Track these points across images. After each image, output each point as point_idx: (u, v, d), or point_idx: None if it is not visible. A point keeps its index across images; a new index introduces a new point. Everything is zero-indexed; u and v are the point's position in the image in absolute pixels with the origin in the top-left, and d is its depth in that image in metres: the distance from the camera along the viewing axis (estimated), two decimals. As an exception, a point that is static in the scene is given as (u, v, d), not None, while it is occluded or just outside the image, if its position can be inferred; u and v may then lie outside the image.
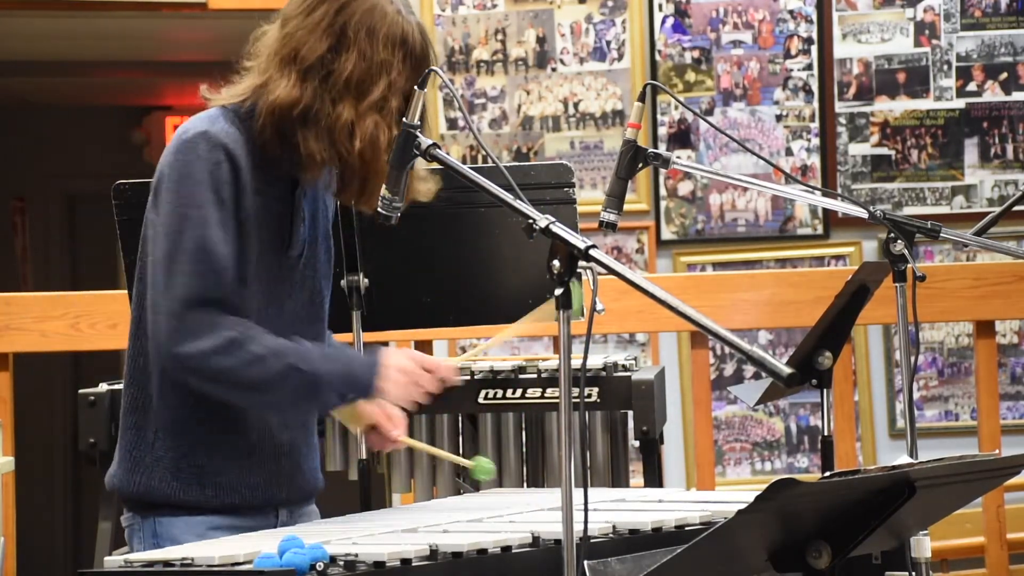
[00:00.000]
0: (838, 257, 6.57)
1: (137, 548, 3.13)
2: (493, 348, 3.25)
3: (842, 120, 6.59)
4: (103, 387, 4.21)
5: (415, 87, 2.96)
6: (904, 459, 2.83)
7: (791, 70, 6.60)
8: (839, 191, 6.47)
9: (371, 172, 3.06)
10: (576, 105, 6.61)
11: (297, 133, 3.05)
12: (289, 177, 3.13)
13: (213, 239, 2.99)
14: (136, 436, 3.12)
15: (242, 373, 2.98)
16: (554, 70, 6.62)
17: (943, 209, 6.54)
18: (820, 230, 6.58)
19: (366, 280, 3.89)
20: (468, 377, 4.08)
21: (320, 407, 3.10)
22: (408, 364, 3.07)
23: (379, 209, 2.99)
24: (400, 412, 3.22)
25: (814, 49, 6.59)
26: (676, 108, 6.58)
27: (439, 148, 2.93)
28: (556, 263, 2.57)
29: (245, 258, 3.05)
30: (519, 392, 4.05)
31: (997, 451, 4.63)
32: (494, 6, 6.63)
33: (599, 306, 2.54)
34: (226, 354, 2.96)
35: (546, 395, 4.04)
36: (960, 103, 6.59)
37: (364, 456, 3.97)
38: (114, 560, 2.68)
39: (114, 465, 3.17)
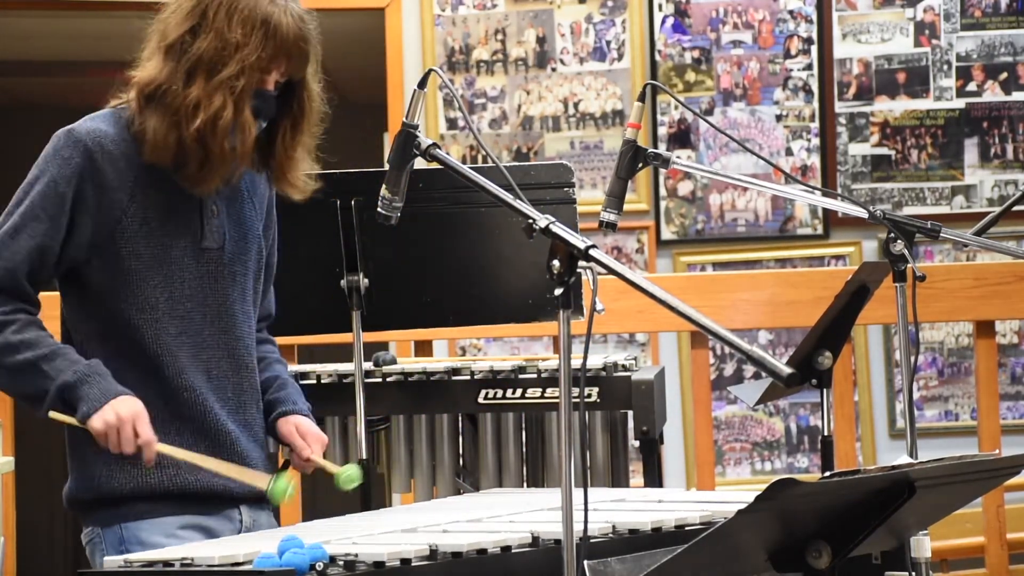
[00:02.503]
0: (838, 257, 6.57)
1: (99, 564, 3.09)
2: (197, 463, 3.22)
3: (842, 120, 6.59)
4: (103, 387, 4.20)
5: (416, 87, 2.95)
6: (904, 459, 2.83)
7: (791, 70, 6.60)
8: (839, 191, 6.48)
9: (209, 153, 3.05)
10: (576, 105, 6.61)
11: (144, 111, 3.08)
12: None
13: (26, 231, 3.04)
14: (85, 436, 3.09)
15: None
16: (554, 70, 6.62)
17: (943, 209, 6.55)
18: (820, 230, 6.58)
19: (366, 280, 3.89)
20: (468, 377, 4.08)
21: (44, 410, 3.04)
22: (123, 418, 3.00)
23: (379, 209, 2.99)
24: (316, 431, 3.25)
25: (814, 49, 6.59)
26: (676, 108, 6.58)
27: (439, 148, 2.93)
28: (556, 263, 2.57)
29: (74, 253, 3.06)
30: (519, 392, 4.05)
31: (997, 451, 4.63)
32: (494, 6, 6.63)
33: (599, 306, 2.54)
34: None
35: (546, 395, 4.04)
36: (960, 103, 6.59)
37: (364, 456, 3.97)
38: (114, 560, 2.68)
39: (69, 480, 3.16)
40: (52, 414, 3.04)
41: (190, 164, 3.07)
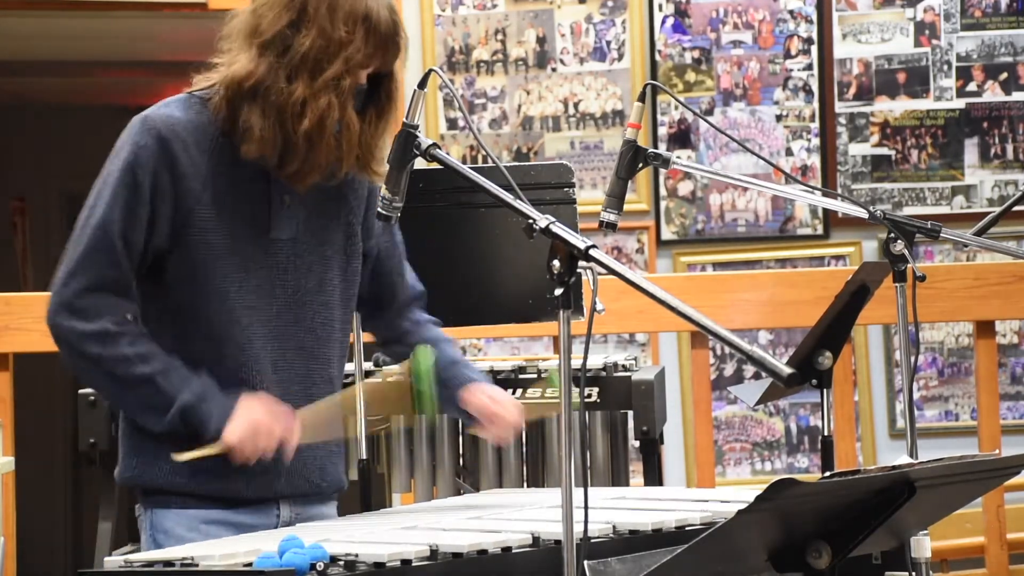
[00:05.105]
0: (838, 257, 6.57)
1: (144, 540, 3.14)
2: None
3: (842, 120, 6.59)
4: (103, 387, 4.20)
5: (417, 87, 2.96)
6: (904, 459, 2.83)
7: (791, 70, 6.60)
8: (839, 191, 6.48)
9: (313, 152, 3.04)
10: (576, 105, 6.61)
11: (244, 107, 3.04)
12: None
13: (113, 220, 3.02)
14: (133, 423, 3.12)
15: (105, 364, 3.02)
16: (554, 70, 6.62)
17: (943, 209, 6.55)
18: (820, 230, 6.58)
19: (366, 280, 3.88)
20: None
21: (164, 427, 3.05)
22: (258, 419, 3.03)
23: (379, 209, 2.99)
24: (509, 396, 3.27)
25: (814, 49, 6.59)
26: (676, 108, 6.58)
27: (439, 148, 2.93)
28: (556, 263, 2.57)
29: (157, 243, 3.05)
30: (519, 392, 4.05)
31: (997, 451, 4.63)
32: (494, 6, 6.63)
33: (599, 306, 2.54)
34: (98, 342, 3.01)
35: (546, 395, 4.04)
36: (960, 103, 6.59)
37: (364, 456, 3.97)
38: (114, 560, 2.68)
39: (119, 458, 3.18)
40: (179, 456, 3.02)
41: (294, 162, 3.05)
